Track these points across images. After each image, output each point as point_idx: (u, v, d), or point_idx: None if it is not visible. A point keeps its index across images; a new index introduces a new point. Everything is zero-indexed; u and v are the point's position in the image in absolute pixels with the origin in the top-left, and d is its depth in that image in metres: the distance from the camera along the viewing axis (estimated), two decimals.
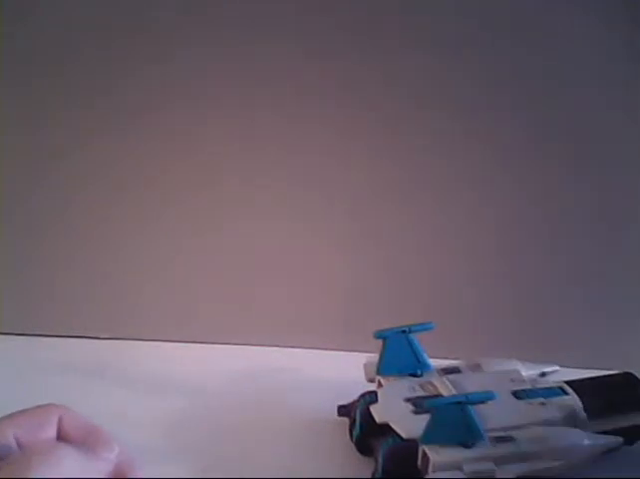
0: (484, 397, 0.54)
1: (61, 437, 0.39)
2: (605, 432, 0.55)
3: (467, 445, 0.53)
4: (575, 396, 0.58)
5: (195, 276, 0.77)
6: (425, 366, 0.63)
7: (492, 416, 0.55)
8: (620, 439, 0.54)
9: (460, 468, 0.52)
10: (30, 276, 0.78)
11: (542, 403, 0.57)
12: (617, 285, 0.74)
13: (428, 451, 0.52)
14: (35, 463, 0.34)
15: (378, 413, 0.57)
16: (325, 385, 0.69)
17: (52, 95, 0.73)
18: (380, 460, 0.55)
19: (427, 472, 0.52)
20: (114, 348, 0.77)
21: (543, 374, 0.64)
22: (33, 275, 0.78)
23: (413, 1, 0.69)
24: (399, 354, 0.62)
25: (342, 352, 0.75)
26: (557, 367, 0.65)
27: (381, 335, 0.62)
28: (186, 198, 0.76)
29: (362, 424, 0.59)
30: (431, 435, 0.53)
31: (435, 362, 0.64)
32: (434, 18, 0.70)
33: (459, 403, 0.53)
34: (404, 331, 0.62)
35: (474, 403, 0.53)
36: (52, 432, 0.39)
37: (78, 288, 0.78)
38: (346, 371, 0.66)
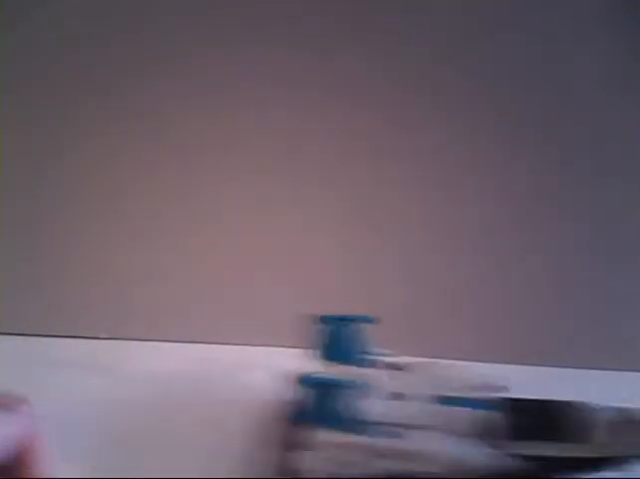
0: (354, 385, 0.54)
1: None
2: (533, 458, 0.54)
3: (349, 431, 0.53)
4: (501, 414, 0.56)
5: (196, 277, 0.77)
6: (368, 358, 0.62)
7: (394, 412, 0.55)
8: (522, 465, 0.53)
9: (333, 450, 0.52)
10: (30, 276, 0.78)
11: (459, 412, 0.56)
12: (617, 286, 0.74)
13: (309, 429, 0.53)
14: None
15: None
16: None
17: (52, 95, 0.74)
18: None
19: (300, 449, 0.53)
20: (114, 348, 0.77)
21: (502, 389, 0.62)
22: (33, 275, 0.78)
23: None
24: (340, 342, 0.62)
25: None
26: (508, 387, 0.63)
27: (322, 321, 0.62)
28: (187, 198, 0.76)
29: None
30: (309, 414, 0.54)
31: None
32: (434, 18, 0.70)
33: (326, 385, 0.54)
34: (344, 320, 0.63)
35: (341, 388, 0.54)
36: None
37: (77, 288, 0.78)
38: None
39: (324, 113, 0.73)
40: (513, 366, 0.73)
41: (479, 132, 0.72)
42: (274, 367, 0.61)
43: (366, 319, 0.62)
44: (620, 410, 0.56)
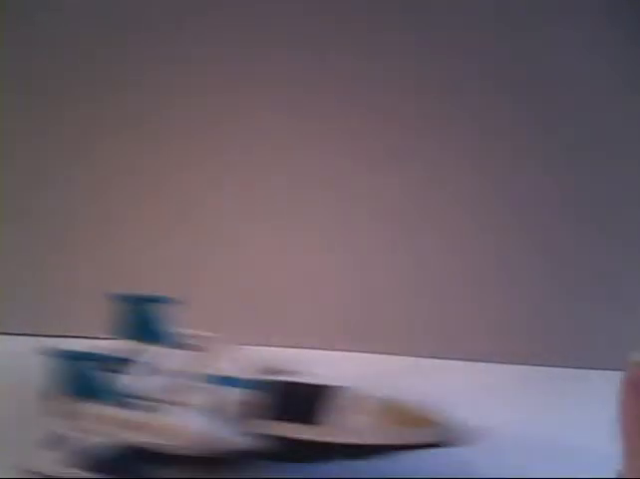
0: (96, 358, 0.56)
1: None
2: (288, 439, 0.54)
3: (90, 401, 0.55)
4: (266, 396, 0.56)
5: (196, 277, 0.78)
6: (162, 336, 0.64)
7: (156, 388, 0.57)
8: (256, 444, 0.53)
9: (75, 419, 0.54)
10: (30, 276, 0.78)
11: (225, 391, 0.56)
12: (617, 286, 0.74)
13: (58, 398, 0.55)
14: None
15: None
16: None
17: (52, 95, 0.74)
18: None
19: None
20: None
21: (280, 372, 0.62)
22: (33, 275, 0.78)
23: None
24: (134, 319, 0.64)
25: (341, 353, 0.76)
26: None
27: (114, 298, 0.63)
28: (188, 198, 0.76)
29: None
30: (54, 383, 0.56)
31: None
32: (433, 18, 0.70)
33: (78, 358, 0.55)
34: (137, 298, 0.64)
35: (94, 360, 0.56)
36: None
37: (78, 288, 0.78)
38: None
39: (324, 113, 0.73)
40: (513, 367, 0.73)
41: (478, 132, 0.72)
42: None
43: (167, 300, 0.63)
44: (384, 399, 0.55)
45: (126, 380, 0.57)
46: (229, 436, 0.54)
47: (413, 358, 0.75)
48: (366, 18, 0.70)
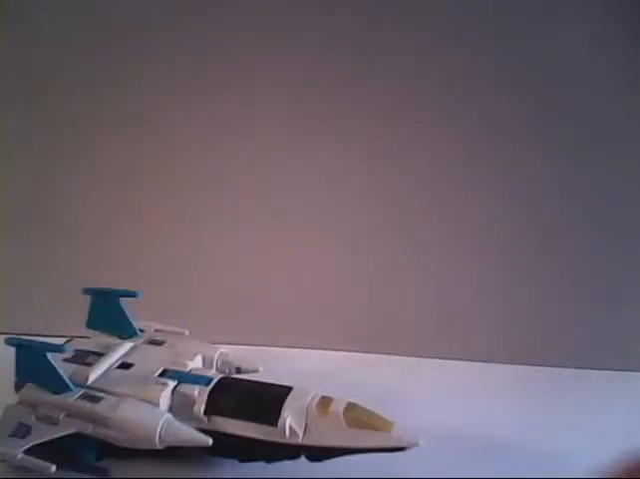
0: (53, 349, 0.58)
1: None
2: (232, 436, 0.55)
3: (54, 392, 0.57)
4: (215, 391, 0.57)
5: (196, 276, 0.78)
6: (131, 331, 0.66)
7: (107, 378, 0.59)
8: (209, 440, 0.53)
9: (33, 407, 0.57)
10: (30, 277, 0.78)
11: (166, 384, 0.57)
12: (617, 286, 0.74)
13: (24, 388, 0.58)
14: None
15: None
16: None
17: (53, 96, 0.74)
18: None
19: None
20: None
21: (239, 370, 0.64)
22: (33, 276, 0.78)
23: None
24: (104, 313, 0.66)
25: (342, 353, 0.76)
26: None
27: (86, 292, 0.66)
28: (188, 198, 0.76)
29: None
30: (20, 373, 0.58)
31: None
32: (434, 18, 0.70)
33: (31, 347, 0.58)
34: (107, 292, 0.66)
35: (46, 351, 0.57)
36: None
37: (78, 289, 0.78)
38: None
39: (325, 112, 0.73)
40: (513, 367, 0.73)
41: (479, 132, 0.72)
42: None
43: (130, 293, 0.65)
44: (322, 399, 0.55)
45: (91, 372, 0.59)
46: (187, 431, 0.54)
47: (413, 358, 0.75)
48: (366, 17, 0.70)
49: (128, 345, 0.64)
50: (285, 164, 0.75)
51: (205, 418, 0.56)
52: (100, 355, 0.62)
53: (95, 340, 0.65)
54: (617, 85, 0.70)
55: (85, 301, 0.77)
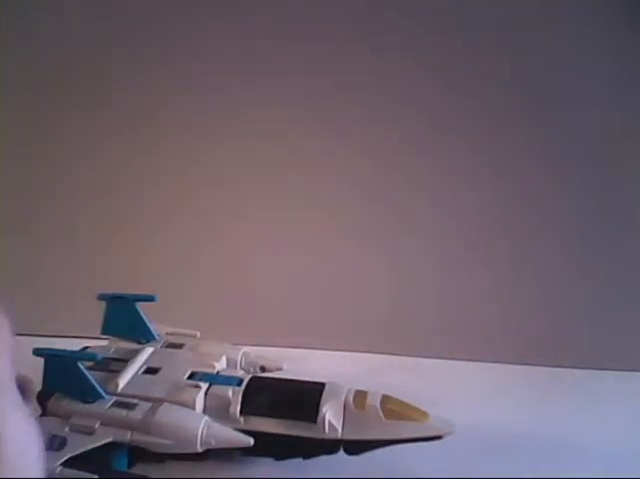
0: (85, 357, 0.58)
1: None
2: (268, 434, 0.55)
3: (86, 401, 0.56)
4: (245, 391, 0.56)
5: (196, 276, 0.77)
6: (149, 335, 0.65)
7: (137, 384, 0.58)
8: (250, 440, 0.53)
9: (65, 418, 0.55)
10: (30, 277, 0.78)
11: (206, 388, 0.57)
12: (617, 286, 0.74)
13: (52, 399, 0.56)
14: None
15: None
16: None
17: (53, 96, 0.74)
18: None
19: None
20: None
21: (263, 369, 0.64)
22: (33, 276, 0.78)
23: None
24: (121, 319, 0.65)
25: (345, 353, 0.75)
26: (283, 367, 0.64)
27: (102, 298, 0.65)
28: (188, 198, 0.76)
29: None
30: (49, 384, 0.57)
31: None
32: (434, 18, 0.70)
33: (60, 357, 0.56)
34: (123, 298, 0.65)
35: (77, 359, 0.56)
36: None
37: (78, 289, 0.78)
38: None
39: (325, 113, 0.73)
40: (513, 366, 0.73)
41: (478, 133, 0.72)
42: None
43: (147, 298, 0.65)
44: (357, 393, 0.56)
45: (120, 379, 0.58)
46: (228, 433, 0.54)
47: (413, 358, 0.74)
48: (366, 17, 0.71)
49: (149, 350, 0.63)
50: (285, 164, 0.75)
51: (242, 419, 0.55)
52: (123, 362, 0.61)
53: (112, 346, 0.65)
54: (617, 85, 0.70)
55: (84, 301, 0.78)
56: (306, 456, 0.56)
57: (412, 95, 0.72)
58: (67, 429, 0.54)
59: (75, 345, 0.75)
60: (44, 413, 0.57)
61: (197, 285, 0.77)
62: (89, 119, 0.74)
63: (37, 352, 0.56)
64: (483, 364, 0.74)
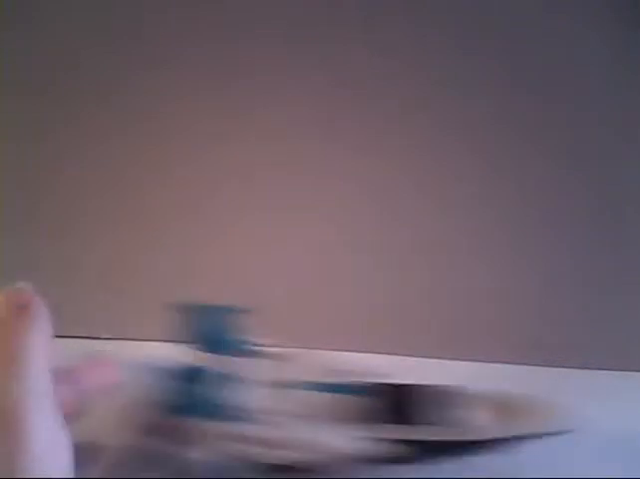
0: (224, 375, 0.54)
1: None
2: (405, 441, 0.54)
3: (223, 420, 0.52)
4: (373, 400, 0.55)
5: (196, 276, 0.77)
6: (237, 347, 0.60)
7: (269, 401, 0.55)
8: (383, 448, 0.52)
9: (217, 441, 0.52)
10: (30, 277, 0.78)
11: (332, 399, 0.56)
12: (617, 286, 0.74)
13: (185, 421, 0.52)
14: None
15: None
16: None
17: (54, 96, 0.74)
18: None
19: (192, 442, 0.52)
20: (114, 348, 0.77)
21: (375, 375, 0.62)
22: (33, 276, 0.78)
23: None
24: (213, 332, 0.60)
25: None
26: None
27: (184, 308, 0.60)
28: (188, 199, 0.76)
29: None
30: (182, 404, 0.53)
31: None
32: (434, 18, 0.70)
33: (193, 374, 0.53)
34: (217, 309, 0.61)
35: (210, 377, 0.53)
36: None
37: (78, 288, 0.78)
38: None
39: (325, 113, 0.73)
40: (514, 366, 0.73)
41: (478, 133, 0.72)
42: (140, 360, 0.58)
43: (241, 309, 0.60)
44: (495, 395, 0.56)
45: (231, 394, 0.54)
46: (352, 444, 0.53)
47: (413, 358, 0.74)
48: (367, 16, 0.71)
49: (252, 363, 0.59)
50: (286, 164, 0.75)
51: (376, 427, 0.54)
52: (228, 377, 0.57)
53: (206, 359, 0.59)
54: (618, 85, 0.70)
55: (84, 301, 0.78)
56: (451, 459, 0.55)
57: (412, 95, 0.72)
58: (197, 449, 0.51)
59: (75, 345, 0.75)
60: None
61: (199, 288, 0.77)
62: (88, 119, 0.74)
63: (169, 372, 0.52)
64: (484, 364, 0.74)
